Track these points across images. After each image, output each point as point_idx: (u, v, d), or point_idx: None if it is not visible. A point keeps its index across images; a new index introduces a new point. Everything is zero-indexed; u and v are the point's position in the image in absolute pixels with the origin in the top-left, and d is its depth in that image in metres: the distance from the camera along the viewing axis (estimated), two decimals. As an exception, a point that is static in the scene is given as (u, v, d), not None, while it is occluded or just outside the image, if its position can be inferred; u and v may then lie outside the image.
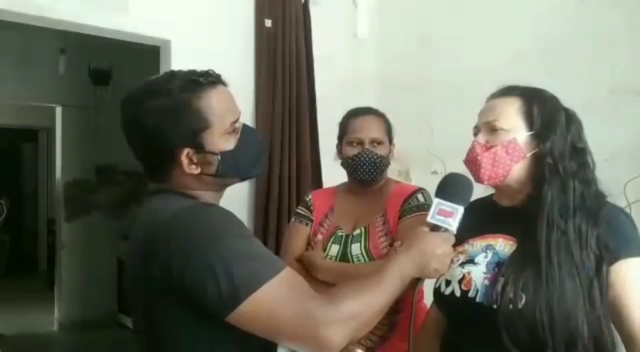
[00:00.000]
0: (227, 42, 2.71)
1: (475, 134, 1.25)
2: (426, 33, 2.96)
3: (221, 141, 1.06)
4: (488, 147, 1.20)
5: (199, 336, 0.97)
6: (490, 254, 1.19)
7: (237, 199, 2.60)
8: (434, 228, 1.11)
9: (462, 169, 1.24)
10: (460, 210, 1.10)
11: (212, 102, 1.05)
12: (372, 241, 1.66)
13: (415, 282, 1.13)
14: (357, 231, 1.69)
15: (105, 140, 4.82)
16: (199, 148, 1.04)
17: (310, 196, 1.84)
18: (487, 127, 1.21)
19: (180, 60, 2.49)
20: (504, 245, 1.18)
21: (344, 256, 1.67)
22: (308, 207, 1.80)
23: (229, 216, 1.00)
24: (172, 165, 1.05)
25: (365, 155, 1.67)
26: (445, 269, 1.11)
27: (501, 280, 1.11)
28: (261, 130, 2.67)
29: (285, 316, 0.92)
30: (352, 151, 1.70)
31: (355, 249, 1.66)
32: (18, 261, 7.25)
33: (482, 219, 1.24)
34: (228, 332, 0.94)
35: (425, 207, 1.60)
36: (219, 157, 1.05)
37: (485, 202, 1.32)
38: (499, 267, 1.15)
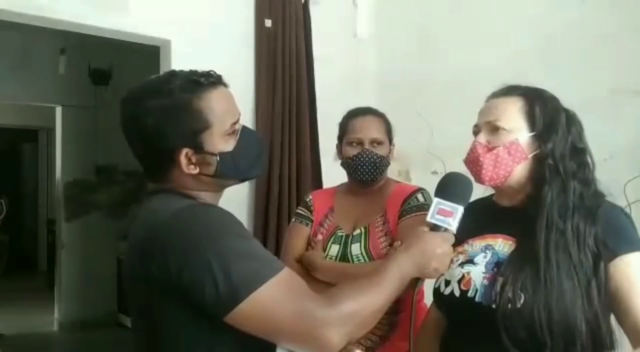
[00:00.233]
0: (227, 42, 2.71)
1: (476, 134, 1.24)
2: (426, 33, 2.96)
3: (220, 142, 1.06)
4: (490, 148, 1.19)
5: (198, 336, 0.97)
6: (489, 254, 1.18)
7: (237, 199, 2.59)
8: (434, 228, 1.11)
9: (462, 169, 1.24)
10: (460, 210, 1.10)
11: (212, 102, 1.04)
12: (372, 241, 1.66)
13: (415, 282, 1.13)
14: (357, 231, 1.69)
15: (105, 140, 4.83)
16: (198, 148, 1.04)
17: (310, 196, 1.85)
18: (488, 126, 1.21)
19: (180, 60, 2.49)
20: (503, 245, 1.18)
21: (344, 256, 1.67)
22: (308, 208, 1.80)
23: (228, 216, 1.00)
24: (171, 165, 1.05)
25: (365, 156, 1.67)
26: (445, 269, 1.11)
27: (500, 280, 1.11)
28: (261, 130, 2.68)
29: (284, 315, 0.91)
30: (352, 151, 1.70)
31: (355, 249, 1.66)
32: (18, 261, 7.26)
33: (481, 219, 1.24)
34: (228, 332, 0.94)
35: (425, 207, 1.60)
36: (218, 158, 1.05)
37: (484, 203, 1.32)
38: (498, 267, 1.15)
